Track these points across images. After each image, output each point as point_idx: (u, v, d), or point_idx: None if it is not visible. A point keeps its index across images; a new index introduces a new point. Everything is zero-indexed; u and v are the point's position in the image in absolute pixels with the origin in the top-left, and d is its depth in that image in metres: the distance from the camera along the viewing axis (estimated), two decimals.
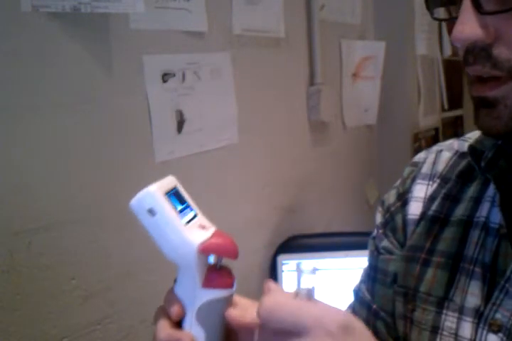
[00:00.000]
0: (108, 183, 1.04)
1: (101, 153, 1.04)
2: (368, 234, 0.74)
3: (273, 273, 1.48)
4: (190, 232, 0.49)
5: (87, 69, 1.01)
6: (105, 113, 1.05)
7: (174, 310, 0.50)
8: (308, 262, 1.46)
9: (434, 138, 2.42)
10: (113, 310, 1.06)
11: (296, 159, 1.64)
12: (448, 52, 2.47)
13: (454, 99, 2.64)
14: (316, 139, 1.74)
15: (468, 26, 0.50)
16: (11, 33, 0.89)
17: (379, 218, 0.73)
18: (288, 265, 1.47)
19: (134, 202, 0.49)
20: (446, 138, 2.45)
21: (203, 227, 0.50)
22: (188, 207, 0.51)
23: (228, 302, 0.51)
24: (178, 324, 0.51)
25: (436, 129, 2.48)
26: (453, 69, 2.62)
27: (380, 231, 0.71)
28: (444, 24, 2.40)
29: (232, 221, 1.33)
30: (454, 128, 2.69)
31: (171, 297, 0.51)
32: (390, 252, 0.69)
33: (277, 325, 0.46)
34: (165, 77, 1.16)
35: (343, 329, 0.46)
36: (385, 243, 0.70)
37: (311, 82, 1.70)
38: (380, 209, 0.73)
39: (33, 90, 0.93)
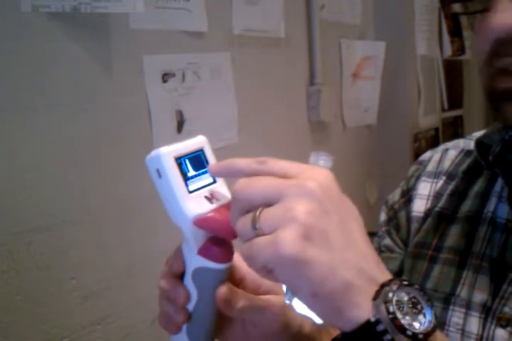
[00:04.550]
0: (108, 183, 1.04)
1: (101, 152, 1.04)
2: (367, 234, 0.74)
3: None
4: (191, 202, 0.46)
5: (87, 69, 1.01)
6: (105, 113, 1.05)
7: (174, 265, 0.51)
8: None
9: (434, 138, 2.42)
10: (113, 310, 1.06)
11: (296, 159, 1.63)
12: (448, 52, 2.47)
13: (454, 99, 2.64)
14: (316, 139, 1.74)
15: (508, 15, 0.48)
16: (11, 33, 0.89)
17: (382, 216, 0.72)
18: None
19: (147, 158, 0.48)
20: (446, 138, 2.46)
21: (211, 198, 0.48)
22: (207, 172, 0.49)
23: (224, 275, 0.49)
24: (181, 275, 0.51)
25: (436, 129, 2.47)
26: (453, 69, 2.62)
27: (383, 228, 0.71)
28: (444, 24, 2.40)
29: None
30: (454, 128, 2.68)
31: (177, 252, 0.51)
32: (390, 250, 0.69)
33: (256, 192, 0.42)
34: (165, 77, 1.16)
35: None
36: (387, 241, 0.70)
37: (311, 82, 1.70)
38: (384, 207, 0.73)
39: (32, 90, 0.93)
